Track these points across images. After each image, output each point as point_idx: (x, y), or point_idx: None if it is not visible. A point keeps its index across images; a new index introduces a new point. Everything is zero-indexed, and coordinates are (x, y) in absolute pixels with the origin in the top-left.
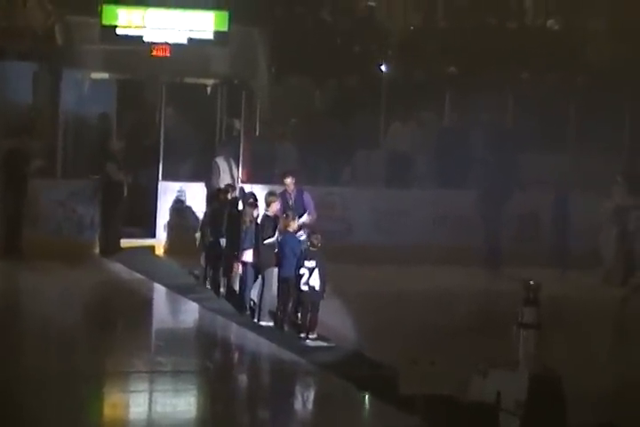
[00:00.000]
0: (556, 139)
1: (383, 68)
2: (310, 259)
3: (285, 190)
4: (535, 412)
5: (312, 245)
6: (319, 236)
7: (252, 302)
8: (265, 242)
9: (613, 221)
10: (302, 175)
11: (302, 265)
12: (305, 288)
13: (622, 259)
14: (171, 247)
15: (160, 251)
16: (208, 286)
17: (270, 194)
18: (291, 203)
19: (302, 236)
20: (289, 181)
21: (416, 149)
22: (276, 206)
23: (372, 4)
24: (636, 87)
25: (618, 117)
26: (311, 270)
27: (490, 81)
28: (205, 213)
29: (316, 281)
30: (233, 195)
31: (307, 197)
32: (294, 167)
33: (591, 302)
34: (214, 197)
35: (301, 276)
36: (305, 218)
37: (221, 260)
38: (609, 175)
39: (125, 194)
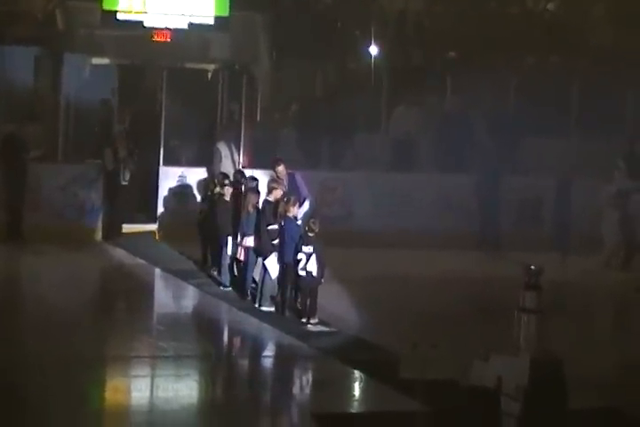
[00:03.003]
0: (559, 123)
1: (384, 52)
2: (308, 244)
3: (278, 177)
4: (536, 397)
5: (310, 230)
6: (317, 221)
7: (252, 288)
8: (268, 228)
9: (615, 205)
10: (303, 160)
11: (300, 250)
12: (302, 273)
13: (624, 243)
14: (171, 232)
15: (161, 236)
16: (209, 272)
17: (273, 180)
18: (285, 189)
19: (300, 221)
20: (280, 168)
21: (418, 134)
22: (278, 193)
23: None
24: (638, 71)
25: (620, 101)
26: (309, 256)
27: (492, 65)
28: (206, 199)
29: (313, 266)
30: (236, 180)
31: (298, 179)
32: (284, 153)
33: (593, 287)
34: (216, 182)
35: (299, 261)
36: (306, 206)
37: (223, 246)
38: (612, 160)
39: (124, 180)
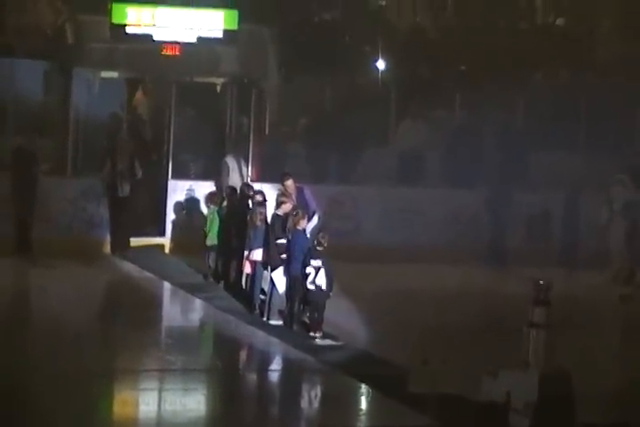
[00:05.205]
0: (567, 138)
1: (393, 66)
2: (317, 258)
3: (287, 191)
4: (545, 412)
5: (319, 243)
6: (326, 235)
7: (260, 301)
8: (277, 242)
9: (622, 217)
10: (311, 174)
11: (309, 264)
12: (311, 287)
13: (630, 257)
14: (180, 246)
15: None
16: (217, 285)
17: (282, 194)
18: (294, 203)
19: (308, 234)
20: (289, 183)
21: (423, 147)
22: (287, 207)
23: (383, 2)
24: None
25: (628, 116)
26: (317, 269)
27: (500, 80)
28: (214, 213)
29: (322, 280)
30: (243, 194)
31: (307, 193)
32: (293, 167)
33: (601, 302)
34: (224, 195)
35: (308, 275)
36: (315, 220)
37: (230, 259)
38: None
39: (122, 192)
